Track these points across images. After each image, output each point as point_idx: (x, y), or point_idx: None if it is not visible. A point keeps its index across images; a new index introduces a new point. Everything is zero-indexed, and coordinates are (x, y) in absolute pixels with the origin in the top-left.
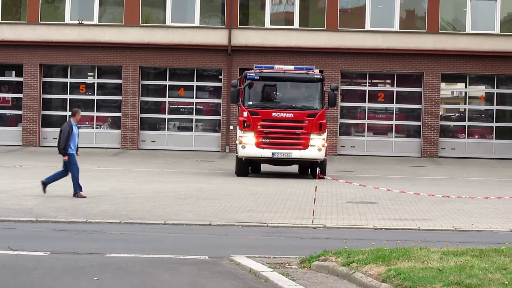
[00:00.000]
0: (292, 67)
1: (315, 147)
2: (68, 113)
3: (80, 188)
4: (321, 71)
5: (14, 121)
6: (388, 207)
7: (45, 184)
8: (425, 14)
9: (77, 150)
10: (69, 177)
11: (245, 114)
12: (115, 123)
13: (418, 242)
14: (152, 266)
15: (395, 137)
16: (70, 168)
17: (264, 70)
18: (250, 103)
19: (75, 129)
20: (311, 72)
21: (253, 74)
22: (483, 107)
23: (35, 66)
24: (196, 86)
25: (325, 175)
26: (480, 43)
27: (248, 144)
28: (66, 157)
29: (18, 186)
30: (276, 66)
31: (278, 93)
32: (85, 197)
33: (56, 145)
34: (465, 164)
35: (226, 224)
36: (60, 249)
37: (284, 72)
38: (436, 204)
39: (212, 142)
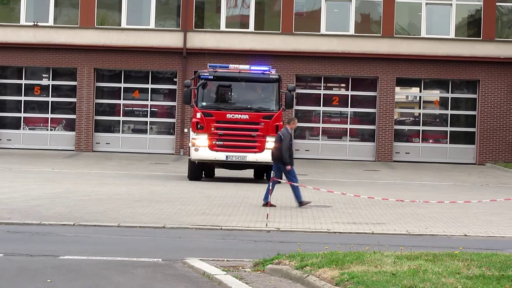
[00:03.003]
0: (247, 66)
1: (271, 150)
2: (22, 114)
3: (301, 197)
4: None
5: None
6: (342, 211)
7: (267, 203)
8: (380, 19)
9: None
10: (18, 178)
11: (198, 115)
12: (70, 125)
13: (371, 246)
14: (105, 269)
15: (349, 141)
16: (289, 177)
17: (218, 70)
18: (204, 104)
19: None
20: (267, 72)
21: (207, 74)
22: (437, 111)
23: None
24: (151, 88)
25: (281, 179)
26: (435, 48)
27: (201, 147)
28: (289, 167)
29: None
30: (231, 66)
31: (233, 94)
32: (310, 202)
33: (274, 153)
34: (419, 168)
35: (180, 227)
36: (14, 251)
37: (239, 72)
38: (390, 208)
39: (166, 144)
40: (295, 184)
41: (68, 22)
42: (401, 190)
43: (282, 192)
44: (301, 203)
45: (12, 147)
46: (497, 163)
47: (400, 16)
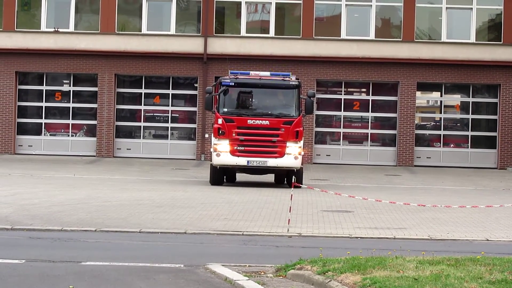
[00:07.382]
0: (268, 73)
1: (291, 155)
2: (43, 120)
3: None
4: (297, 79)
5: None
6: (363, 216)
7: None
8: (400, 23)
9: None
10: (40, 184)
11: (220, 121)
12: (91, 131)
13: (393, 251)
14: (127, 274)
15: (370, 145)
16: None
17: (239, 76)
18: (225, 110)
19: None
20: (287, 79)
21: (228, 80)
22: (458, 116)
23: (10, 74)
24: (172, 94)
25: (302, 184)
26: (455, 52)
27: (223, 152)
28: None
29: None
30: (252, 72)
31: (253, 100)
32: None
33: None
34: (441, 173)
35: (202, 232)
36: (36, 257)
37: (260, 78)
38: (411, 213)
39: (187, 150)
40: None
41: (88, 28)
42: (422, 194)
43: (302, 197)
44: None
45: (33, 153)
46: None
47: (420, 20)
